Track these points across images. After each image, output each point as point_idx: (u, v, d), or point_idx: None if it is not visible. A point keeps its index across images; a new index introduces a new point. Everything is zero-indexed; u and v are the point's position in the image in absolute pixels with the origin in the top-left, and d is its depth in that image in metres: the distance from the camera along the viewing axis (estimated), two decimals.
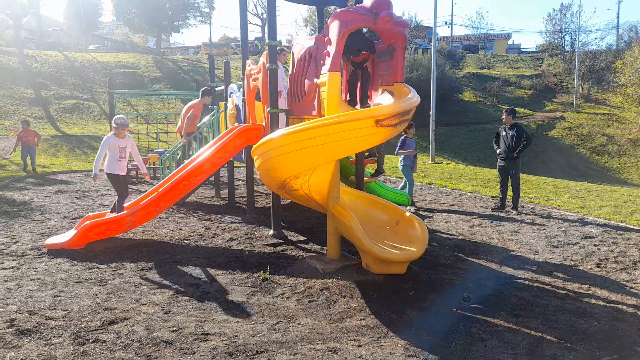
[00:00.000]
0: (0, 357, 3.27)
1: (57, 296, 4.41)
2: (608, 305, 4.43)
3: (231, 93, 8.86)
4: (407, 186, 9.08)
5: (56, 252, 5.79)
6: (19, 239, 6.36)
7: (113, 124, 6.56)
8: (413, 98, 4.73)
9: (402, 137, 9.10)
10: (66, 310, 4.08)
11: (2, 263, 5.35)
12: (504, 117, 8.64)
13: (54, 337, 3.59)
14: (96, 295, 4.47)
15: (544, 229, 7.27)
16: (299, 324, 3.94)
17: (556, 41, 48.59)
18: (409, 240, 5.09)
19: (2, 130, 20.08)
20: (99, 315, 4.02)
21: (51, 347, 3.44)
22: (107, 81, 13.34)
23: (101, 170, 6.68)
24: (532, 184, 12.31)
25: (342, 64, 5.37)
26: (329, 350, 3.47)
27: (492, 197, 9.97)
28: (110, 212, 6.72)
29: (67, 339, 3.57)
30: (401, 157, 9.12)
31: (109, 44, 53.43)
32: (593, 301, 4.52)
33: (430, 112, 18.95)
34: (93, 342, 3.53)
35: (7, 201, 8.81)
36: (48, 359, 3.26)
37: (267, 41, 6.28)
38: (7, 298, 4.33)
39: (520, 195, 8.92)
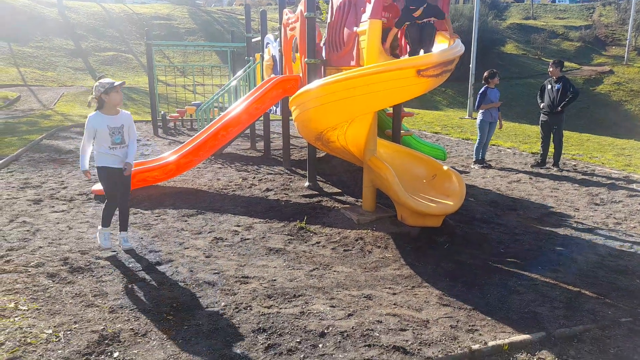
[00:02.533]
0: (57, 291, 3.51)
1: None
2: None
3: (268, 44, 8.75)
4: (478, 142, 8.50)
5: (102, 197, 6.04)
6: (67, 184, 6.67)
7: (97, 91, 4.14)
8: (457, 47, 4.56)
9: (483, 88, 8.40)
10: (114, 252, 4.31)
11: (53, 207, 5.64)
12: (550, 69, 8.22)
13: (104, 275, 3.82)
14: (141, 238, 4.69)
15: (586, 187, 7.05)
16: (334, 271, 4.04)
17: None
18: (445, 194, 5.05)
19: (46, 81, 20.67)
20: (145, 256, 4.23)
21: (102, 284, 3.66)
22: (144, 32, 13.39)
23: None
24: (575, 140, 11.85)
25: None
26: (364, 297, 3.56)
27: (532, 153, 9.68)
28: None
29: (117, 277, 3.79)
30: (481, 110, 8.42)
31: None
32: (635, 260, 4.42)
33: (470, 66, 18.24)
34: (140, 280, 3.74)
35: (55, 149, 9.18)
36: (100, 294, 3.48)
37: None
38: (60, 239, 4.60)
39: (563, 152, 8.63)
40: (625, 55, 34.83)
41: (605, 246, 4.76)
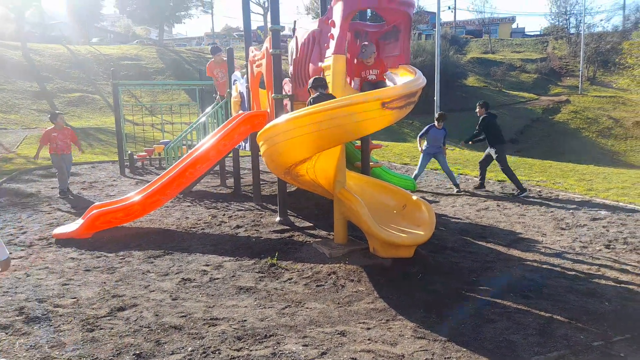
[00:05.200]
0: (10, 344, 3.28)
1: (66, 284, 4.43)
2: (618, 285, 4.39)
3: (235, 80, 8.80)
4: (418, 170, 9.34)
5: (64, 241, 5.81)
6: (27, 229, 6.39)
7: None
8: (419, 79, 4.67)
9: (428, 126, 9.24)
10: (75, 298, 4.10)
11: (11, 253, 5.33)
12: (477, 110, 9.04)
13: (62, 324, 3.61)
14: (104, 282, 4.48)
15: (552, 212, 7.22)
16: (307, 308, 3.94)
17: (561, 24, 47.92)
18: (416, 224, 5.06)
19: (9, 124, 20.13)
20: (107, 302, 4.03)
21: (60, 333, 3.45)
22: (110, 73, 13.29)
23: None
24: (538, 167, 12.21)
25: (346, 46, 5.29)
26: (338, 333, 3.46)
27: (498, 181, 9.90)
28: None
29: (76, 325, 3.58)
30: (426, 143, 9.24)
31: (111, 37, 53.26)
32: (603, 282, 4.48)
33: (435, 98, 18.82)
34: (102, 328, 3.54)
35: (15, 193, 8.84)
36: (57, 345, 3.27)
37: (269, 26, 6.20)
38: (16, 287, 4.35)
39: (528, 178, 8.90)
40: (580, 85, 36.68)
41: (573, 270, 4.82)
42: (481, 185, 9.18)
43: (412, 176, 9.22)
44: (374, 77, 5.09)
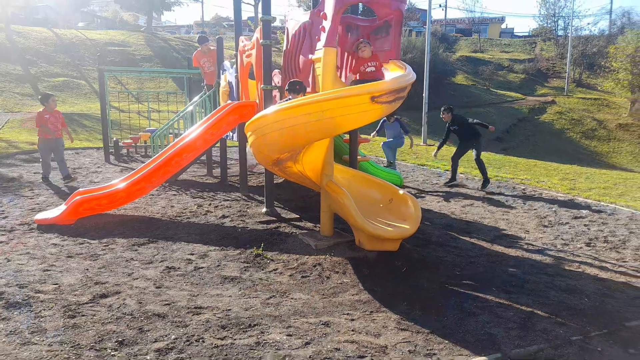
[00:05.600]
0: None
1: (47, 270, 4.37)
2: (598, 282, 4.49)
3: (224, 70, 8.73)
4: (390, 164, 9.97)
5: (46, 227, 5.72)
6: (8, 214, 6.28)
7: None
8: (409, 75, 4.68)
9: (383, 120, 9.77)
10: (56, 284, 4.04)
11: None
12: (443, 115, 9.05)
13: (44, 310, 3.56)
14: (87, 269, 4.43)
15: (535, 210, 7.32)
16: (291, 298, 3.95)
17: (549, 25, 48.47)
18: (402, 218, 5.09)
19: None
20: (90, 289, 3.99)
21: (41, 319, 3.40)
22: (96, 57, 13.07)
23: None
24: (523, 166, 12.37)
25: (337, 39, 5.27)
26: (322, 324, 3.48)
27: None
28: None
29: (58, 311, 3.53)
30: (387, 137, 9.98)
31: (98, 22, 52.27)
32: (583, 279, 4.57)
33: (424, 95, 18.89)
34: (84, 315, 3.51)
35: None
36: (38, 331, 3.23)
37: (260, 16, 6.15)
38: None
39: (512, 177, 9.02)
40: (566, 87, 37.16)
41: (554, 266, 4.90)
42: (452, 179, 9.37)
43: (387, 166, 9.75)
44: (372, 69, 5.06)
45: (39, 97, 8.79)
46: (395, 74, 5.14)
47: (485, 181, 8.87)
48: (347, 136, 7.35)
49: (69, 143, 9.81)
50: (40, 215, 5.99)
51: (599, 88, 36.10)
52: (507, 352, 3.12)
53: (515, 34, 59.16)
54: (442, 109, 9.08)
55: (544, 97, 35.78)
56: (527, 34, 57.35)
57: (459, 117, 9.09)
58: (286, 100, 5.00)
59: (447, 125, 9.07)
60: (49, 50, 28.86)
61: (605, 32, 44.53)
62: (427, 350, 3.16)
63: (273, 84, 6.31)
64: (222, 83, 8.74)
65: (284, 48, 6.07)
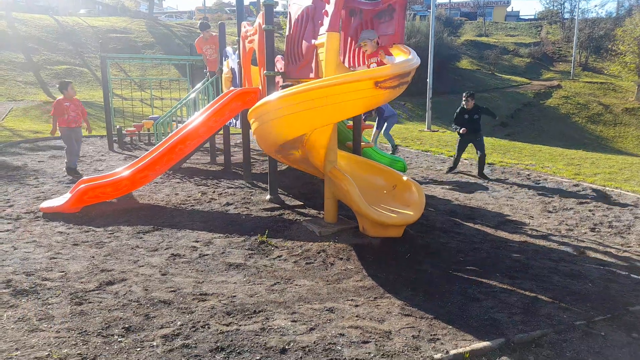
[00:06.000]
0: None
1: (54, 258, 4.40)
2: (602, 267, 4.48)
3: (226, 56, 8.67)
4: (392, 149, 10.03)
5: (51, 215, 5.76)
6: (14, 202, 6.31)
7: None
8: (413, 60, 4.62)
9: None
10: (63, 272, 4.08)
11: None
12: (465, 101, 8.67)
13: (51, 297, 3.60)
14: (93, 257, 4.47)
15: (540, 195, 7.30)
16: (296, 284, 3.97)
17: (555, 8, 47.80)
18: (405, 204, 5.09)
19: None
20: (96, 276, 4.02)
21: (48, 306, 3.44)
22: (98, 45, 13.01)
23: None
24: (528, 151, 12.31)
25: (341, 23, 5.21)
26: (326, 310, 3.50)
27: (488, 164, 9.96)
28: None
29: (65, 299, 3.57)
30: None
31: (100, 8, 51.93)
32: (587, 264, 4.57)
33: (428, 80, 18.73)
34: (90, 302, 3.54)
35: (1, 166, 8.70)
36: (46, 318, 3.27)
37: (262, 1, 6.08)
38: (3, 260, 4.31)
39: (517, 162, 8.97)
40: (572, 71, 36.80)
41: (559, 252, 4.90)
42: (454, 167, 9.23)
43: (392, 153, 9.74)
44: (374, 66, 5.01)
45: (57, 85, 8.45)
46: (399, 58, 5.09)
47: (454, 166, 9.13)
48: (350, 122, 7.31)
49: (85, 133, 9.50)
50: (45, 204, 6.02)
51: (605, 72, 35.73)
52: (511, 337, 3.13)
53: (521, 17, 58.47)
54: (467, 94, 8.73)
55: (550, 81, 35.46)
56: (533, 17, 56.69)
57: (480, 107, 8.83)
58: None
59: (462, 113, 8.70)
60: (51, 38, 28.74)
61: (612, 14, 43.97)
62: (431, 335, 3.17)
63: (276, 70, 6.27)
64: (225, 69, 8.69)
65: (287, 33, 6.01)
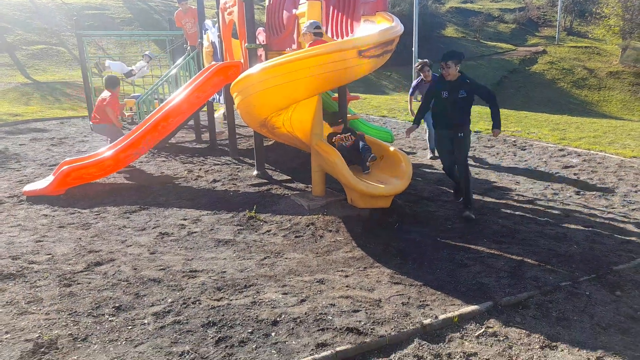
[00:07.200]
0: None
1: (40, 241, 4.35)
2: (586, 229, 4.56)
3: (206, 30, 8.46)
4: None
5: (35, 198, 5.67)
6: None
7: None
8: (397, 27, 4.55)
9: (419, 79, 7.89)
10: (50, 254, 4.04)
11: None
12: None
13: (38, 280, 3.57)
14: (80, 238, 4.42)
15: (526, 161, 7.35)
16: (286, 258, 3.98)
17: None
18: (393, 175, 5.08)
19: None
20: (83, 257, 3.99)
21: (37, 289, 3.42)
22: (73, 22, 12.59)
23: None
24: (513, 118, 12.34)
25: None
26: (317, 281, 3.52)
27: (475, 131, 9.98)
28: None
29: (53, 281, 3.54)
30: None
31: None
32: (572, 226, 4.64)
33: (413, 49, 18.56)
34: (79, 283, 3.52)
35: None
36: (34, 301, 3.24)
37: None
38: None
39: (503, 129, 8.97)
40: (557, 36, 36.64)
41: (544, 215, 4.97)
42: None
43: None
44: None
45: (105, 80, 7.42)
46: (382, 26, 5.00)
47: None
48: (335, 94, 7.23)
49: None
50: (28, 187, 5.92)
51: (590, 36, 35.68)
52: (498, 300, 3.19)
53: None
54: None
55: (535, 47, 35.31)
56: None
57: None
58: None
59: (438, 89, 5.22)
60: (24, 17, 27.78)
61: None
62: (420, 301, 3.22)
63: (258, 43, 6.13)
64: (205, 43, 8.49)
65: (267, 4, 5.86)
